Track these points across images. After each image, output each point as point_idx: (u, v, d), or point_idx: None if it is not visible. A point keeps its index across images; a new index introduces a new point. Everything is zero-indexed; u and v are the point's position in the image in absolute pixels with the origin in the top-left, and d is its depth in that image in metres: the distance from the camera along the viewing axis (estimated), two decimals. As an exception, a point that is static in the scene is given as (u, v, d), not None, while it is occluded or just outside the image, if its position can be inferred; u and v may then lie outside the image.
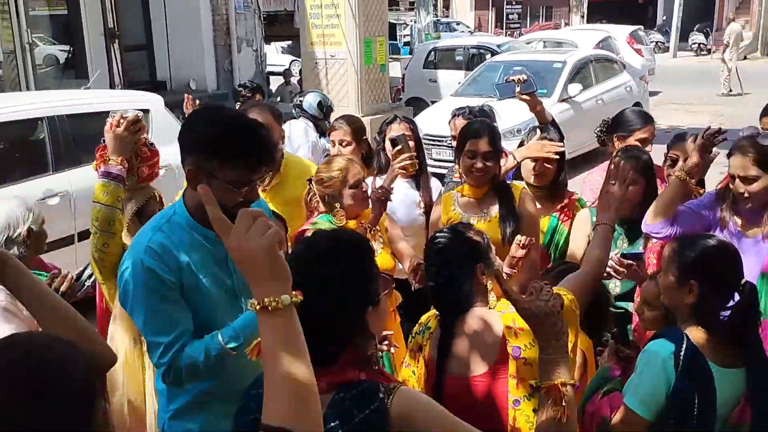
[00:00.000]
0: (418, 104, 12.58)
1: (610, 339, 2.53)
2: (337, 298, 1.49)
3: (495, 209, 2.95)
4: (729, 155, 2.76)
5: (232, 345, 1.85)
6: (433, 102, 12.53)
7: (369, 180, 3.29)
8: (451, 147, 7.52)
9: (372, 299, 1.55)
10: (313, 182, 2.99)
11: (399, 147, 3.15)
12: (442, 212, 3.07)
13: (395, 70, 13.77)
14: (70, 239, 5.05)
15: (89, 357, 1.27)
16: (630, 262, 2.83)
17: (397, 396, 1.44)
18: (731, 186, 2.72)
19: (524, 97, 3.69)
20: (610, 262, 2.71)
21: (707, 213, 2.81)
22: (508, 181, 3.24)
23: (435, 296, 2.08)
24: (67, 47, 10.66)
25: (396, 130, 3.49)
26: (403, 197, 3.47)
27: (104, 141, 2.70)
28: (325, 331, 1.45)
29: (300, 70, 14.31)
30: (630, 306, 2.94)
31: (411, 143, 3.32)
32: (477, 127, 3.00)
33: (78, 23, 10.11)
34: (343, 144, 3.72)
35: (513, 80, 3.73)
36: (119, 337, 2.70)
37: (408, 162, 3.03)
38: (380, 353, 1.57)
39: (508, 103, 9.17)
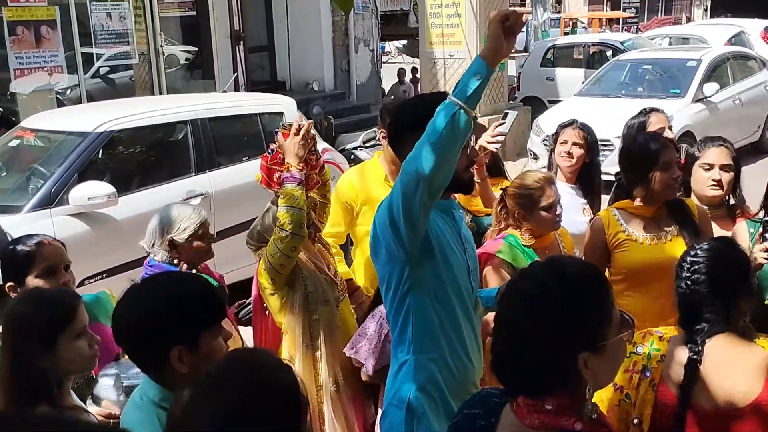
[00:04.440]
0: (535, 103, 12.25)
1: None
2: (543, 341, 1.35)
3: (674, 227, 2.73)
4: None
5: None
6: (550, 101, 12.18)
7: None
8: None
9: (591, 344, 1.36)
10: (506, 194, 2.88)
11: (503, 122, 3.20)
12: (605, 230, 2.82)
13: (510, 68, 13.47)
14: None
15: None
16: None
17: None
18: None
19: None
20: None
21: None
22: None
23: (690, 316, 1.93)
24: (193, 49, 11.08)
25: (569, 134, 3.33)
26: (567, 203, 3.24)
27: (272, 150, 2.75)
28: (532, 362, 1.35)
29: (412, 69, 14.33)
30: None
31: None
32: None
33: (206, 26, 10.45)
34: None
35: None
36: (290, 345, 2.73)
37: (497, 138, 3.13)
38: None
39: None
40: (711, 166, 2.96)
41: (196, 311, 1.64)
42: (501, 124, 3.18)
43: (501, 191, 2.92)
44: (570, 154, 3.32)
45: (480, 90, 1.88)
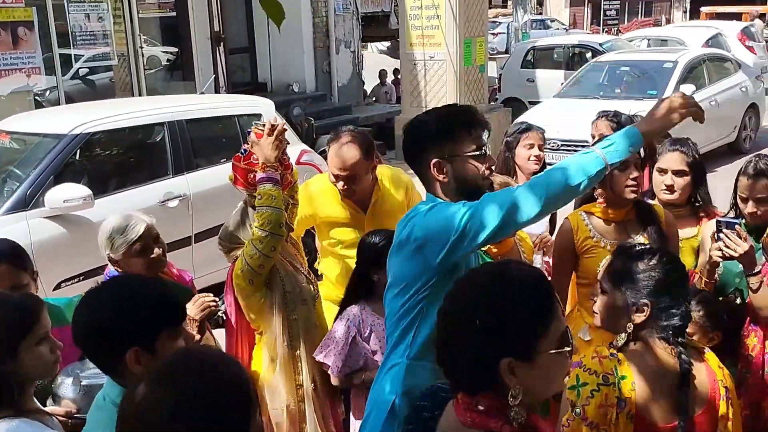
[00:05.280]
0: (515, 105, 12.34)
1: None
2: (472, 340, 1.38)
3: (641, 234, 2.75)
4: None
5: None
6: (530, 103, 12.26)
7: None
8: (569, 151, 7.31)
9: (519, 352, 1.37)
10: None
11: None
12: (573, 235, 2.83)
13: (491, 70, 13.55)
14: (188, 240, 5.21)
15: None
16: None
17: None
18: None
19: None
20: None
21: None
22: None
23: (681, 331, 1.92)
24: (173, 50, 11.04)
25: (533, 138, 3.37)
26: None
27: (245, 150, 2.75)
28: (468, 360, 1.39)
29: (394, 71, 14.37)
30: None
31: None
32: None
33: (186, 27, 10.42)
34: None
35: None
36: (270, 346, 2.73)
37: None
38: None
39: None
40: (665, 171, 3.02)
41: (152, 313, 1.66)
42: None
43: None
44: (538, 158, 3.36)
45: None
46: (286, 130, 2.74)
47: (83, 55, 9.42)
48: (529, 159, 3.34)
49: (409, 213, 2.22)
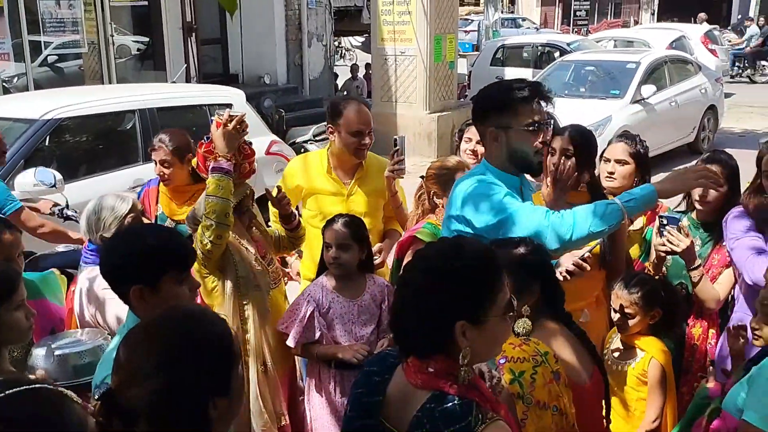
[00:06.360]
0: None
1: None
2: (430, 303, 1.52)
3: None
4: (759, 160, 2.79)
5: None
6: (499, 100, 12.46)
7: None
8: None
9: (470, 316, 1.51)
10: (424, 178, 3.06)
11: (396, 149, 3.25)
12: None
13: (461, 67, 13.74)
14: (157, 227, 5.28)
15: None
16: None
17: (491, 428, 1.45)
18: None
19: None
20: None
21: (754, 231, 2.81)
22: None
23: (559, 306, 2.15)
24: (144, 39, 11.02)
25: (472, 133, 3.46)
26: None
27: (207, 138, 2.85)
28: (420, 327, 1.52)
29: (366, 65, 14.48)
30: None
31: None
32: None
33: (158, 16, 10.41)
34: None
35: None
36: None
37: (400, 167, 3.21)
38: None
39: (575, 104, 9.11)
40: (608, 160, 3.22)
41: (156, 255, 1.85)
42: (396, 151, 3.28)
43: (420, 177, 3.12)
44: (474, 152, 3.48)
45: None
46: (244, 121, 2.81)
47: (53, 42, 9.39)
48: (465, 152, 3.47)
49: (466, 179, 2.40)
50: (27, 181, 4.55)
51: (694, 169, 2.22)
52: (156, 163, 3.53)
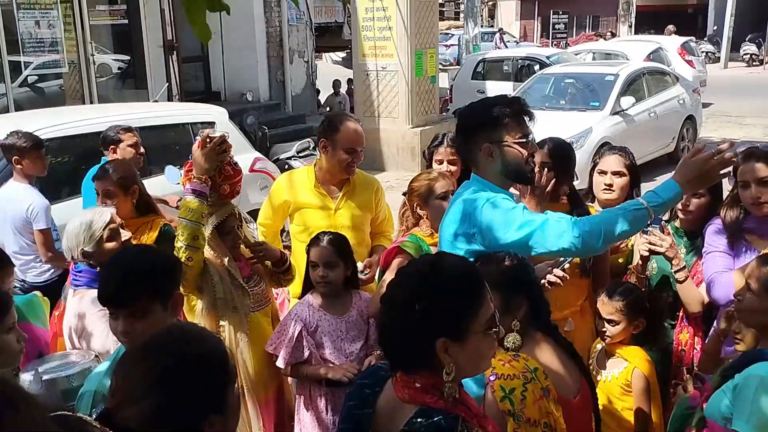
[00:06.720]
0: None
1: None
2: (416, 320, 1.52)
3: None
4: (735, 170, 2.75)
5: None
6: (481, 113, 12.54)
7: None
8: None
9: (451, 332, 1.52)
10: (407, 194, 3.09)
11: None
12: None
13: (442, 81, 13.84)
14: (141, 247, 5.25)
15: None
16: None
17: None
18: (744, 196, 2.74)
19: None
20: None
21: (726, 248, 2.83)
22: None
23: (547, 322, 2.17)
24: (125, 58, 10.99)
25: (442, 153, 3.46)
26: None
27: (191, 157, 2.84)
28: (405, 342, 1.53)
29: (348, 81, 14.54)
30: None
31: None
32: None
33: (138, 35, 10.41)
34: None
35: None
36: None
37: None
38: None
39: (557, 117, 9.20)
40: (605, 172, 3.26)
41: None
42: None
43: (403, 195, 3.15)
44: (451, 172, 3.46)
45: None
46: (225, 141, 2.80)
47: (32, 62, 9.34)
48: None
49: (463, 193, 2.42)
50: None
51: (714, 161, 2.20)
52: (98, 194, 3.37)
